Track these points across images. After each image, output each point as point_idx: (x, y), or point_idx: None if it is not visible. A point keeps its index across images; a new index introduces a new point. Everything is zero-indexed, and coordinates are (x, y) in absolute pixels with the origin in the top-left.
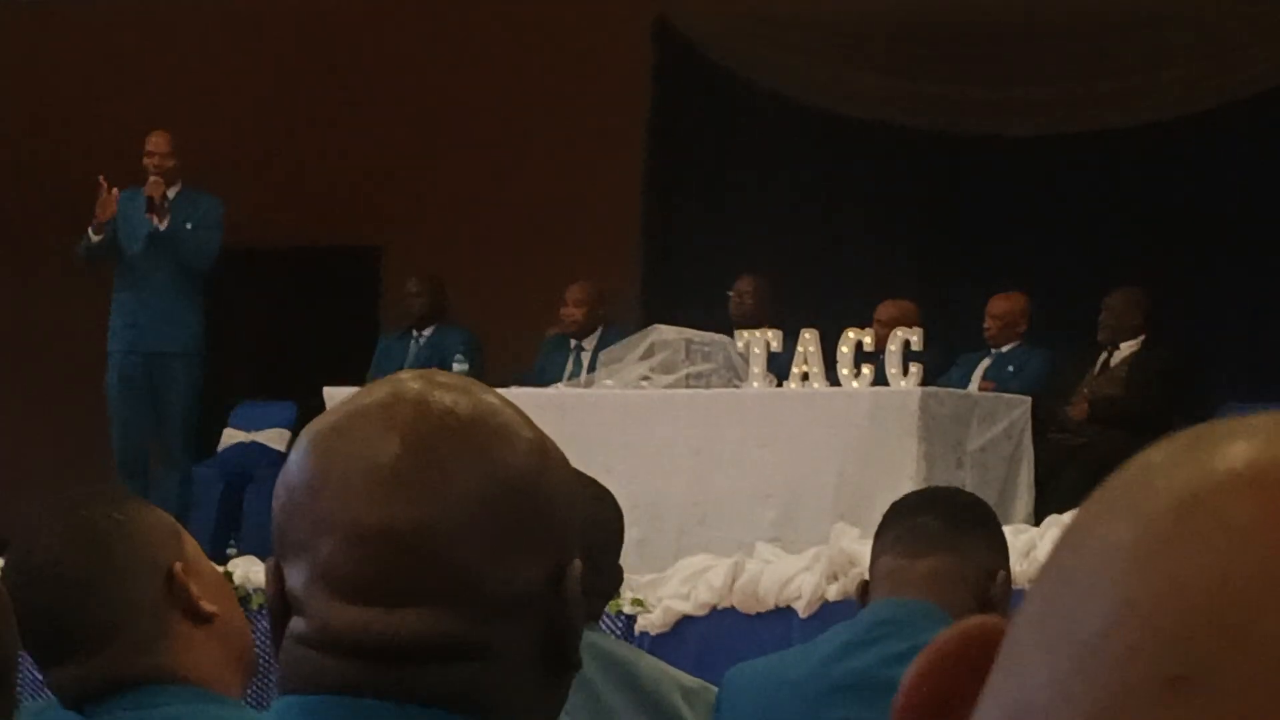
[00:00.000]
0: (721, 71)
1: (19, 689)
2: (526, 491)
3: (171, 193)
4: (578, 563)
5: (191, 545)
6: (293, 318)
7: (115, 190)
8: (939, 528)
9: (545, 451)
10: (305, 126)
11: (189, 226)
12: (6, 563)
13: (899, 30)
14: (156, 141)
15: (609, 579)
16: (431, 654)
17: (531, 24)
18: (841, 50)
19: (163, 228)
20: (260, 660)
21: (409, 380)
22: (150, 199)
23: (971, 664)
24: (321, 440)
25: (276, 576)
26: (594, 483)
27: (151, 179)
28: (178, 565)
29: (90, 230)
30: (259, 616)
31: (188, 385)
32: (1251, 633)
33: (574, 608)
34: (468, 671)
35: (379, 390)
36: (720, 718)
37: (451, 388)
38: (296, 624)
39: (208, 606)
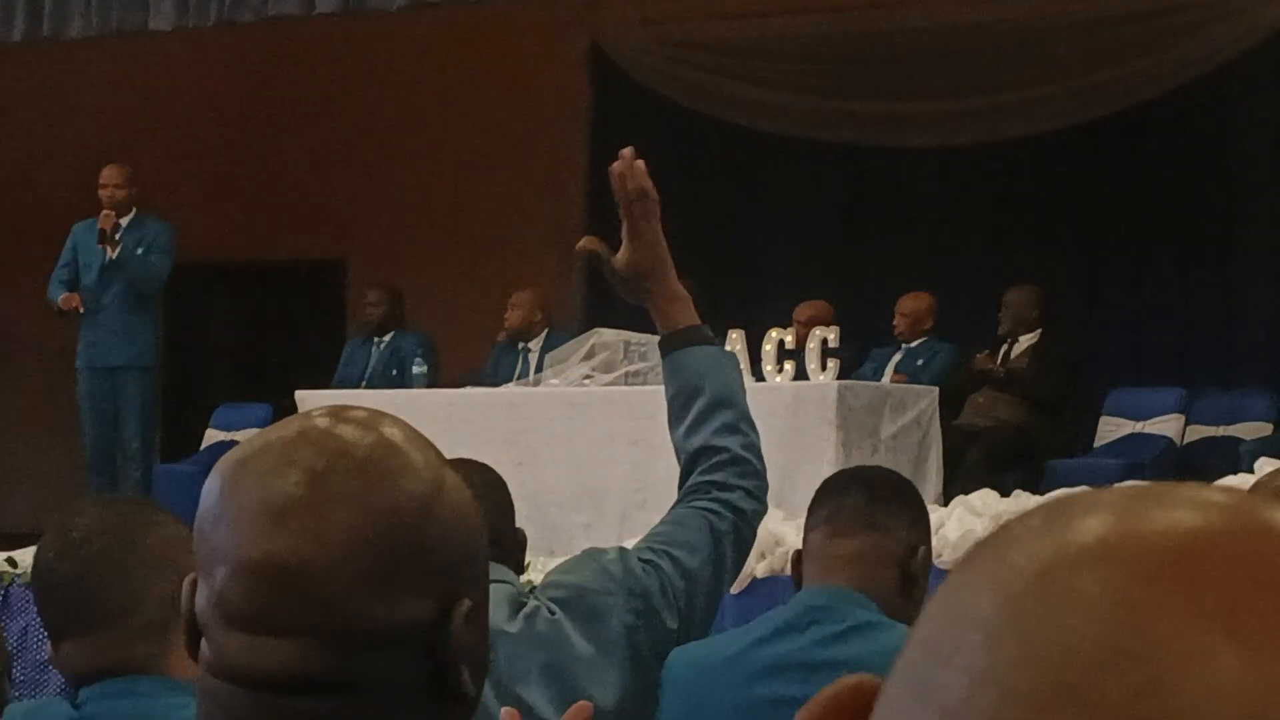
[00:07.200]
0: (650, 94)
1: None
2: (410, 528)
3: (125, 221)
4: (467, 601)
5: None
6: (266, 326)
7: (77, 296)
8: (863, 507)
9: (440, 490)
10: (275, 152)
11: (140, 252)
12: (45, 535)
13: (809, 54)
14: (110, 174)
15: (516, 541)
16: (302, 686)
17: (480, 54)
18: (758, 73)
19: (114, 256)
20: None
21: (318, 417)
22: (102, 230)
23: (850, 717)
24: (228, 471)
25: (191, 593)
26: (477, 464)
27: (104, 212)
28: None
29: (60, 302)
30: None
31: (144, 393)
32: (1097, 699)
33: (462, 642)
34: (336, 704)
35: (290, 425)
36: (663, 699)
37: (358, 424)
38: (204, 649)
39: None
